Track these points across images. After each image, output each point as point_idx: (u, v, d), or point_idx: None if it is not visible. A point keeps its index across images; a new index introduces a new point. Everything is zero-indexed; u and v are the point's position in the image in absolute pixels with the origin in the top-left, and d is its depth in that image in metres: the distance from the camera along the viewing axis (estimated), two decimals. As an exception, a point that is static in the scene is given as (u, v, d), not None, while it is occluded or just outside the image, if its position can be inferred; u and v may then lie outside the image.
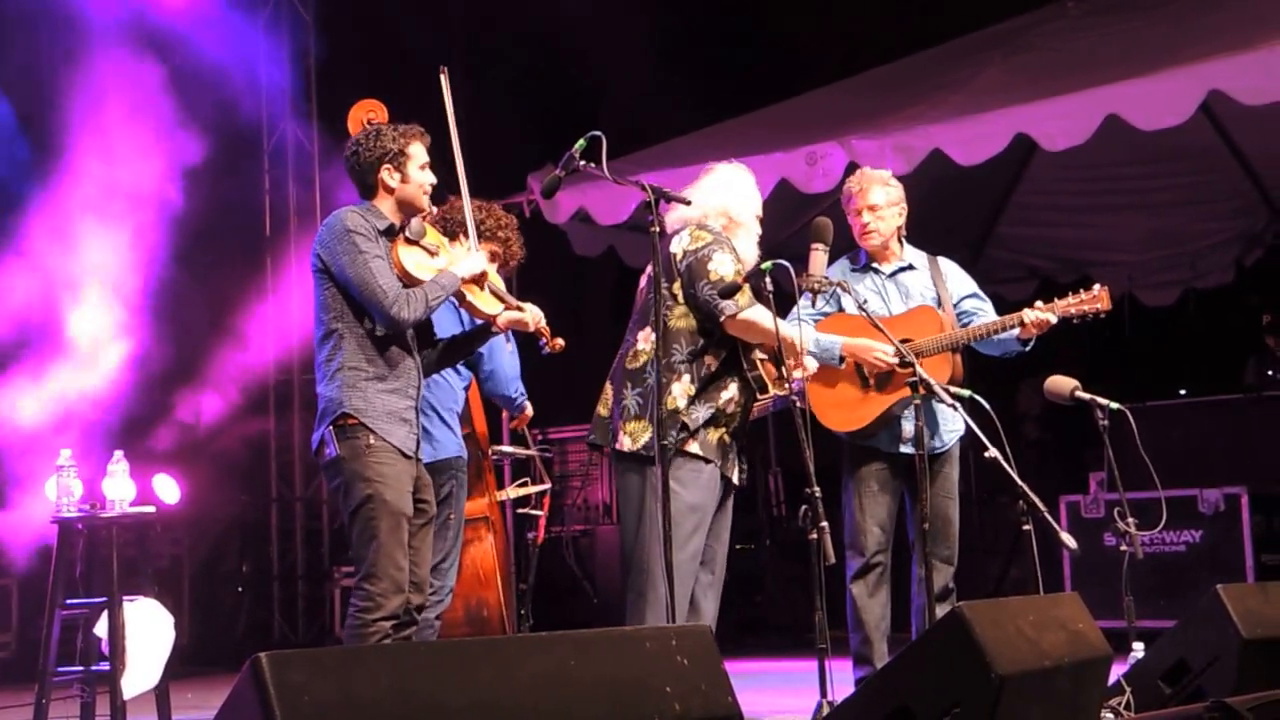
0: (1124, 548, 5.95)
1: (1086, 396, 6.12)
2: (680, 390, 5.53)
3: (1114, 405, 6.08)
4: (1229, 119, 10.19)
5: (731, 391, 5.65)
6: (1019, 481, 5.41)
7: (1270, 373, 10.92)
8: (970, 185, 10.19)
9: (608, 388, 5.79)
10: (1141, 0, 9.73)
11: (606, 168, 5.31)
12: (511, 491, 6.98)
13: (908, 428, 6.09)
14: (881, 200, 6.33)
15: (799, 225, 10.21)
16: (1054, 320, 6.17)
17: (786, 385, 5.69)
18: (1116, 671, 5.14)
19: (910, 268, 6.42)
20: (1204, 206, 11.56)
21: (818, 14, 13.63)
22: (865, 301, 5.90)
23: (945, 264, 6.51)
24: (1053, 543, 5.52)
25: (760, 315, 5.55)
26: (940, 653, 4.21)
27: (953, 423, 6.26)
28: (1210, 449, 9.44)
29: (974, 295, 6.44)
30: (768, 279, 5.37)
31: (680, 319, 5.63)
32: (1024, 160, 11.24)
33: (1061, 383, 6.29)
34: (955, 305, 6.37)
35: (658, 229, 5.26)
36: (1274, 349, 10.94)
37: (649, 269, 5.79)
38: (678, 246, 5.70)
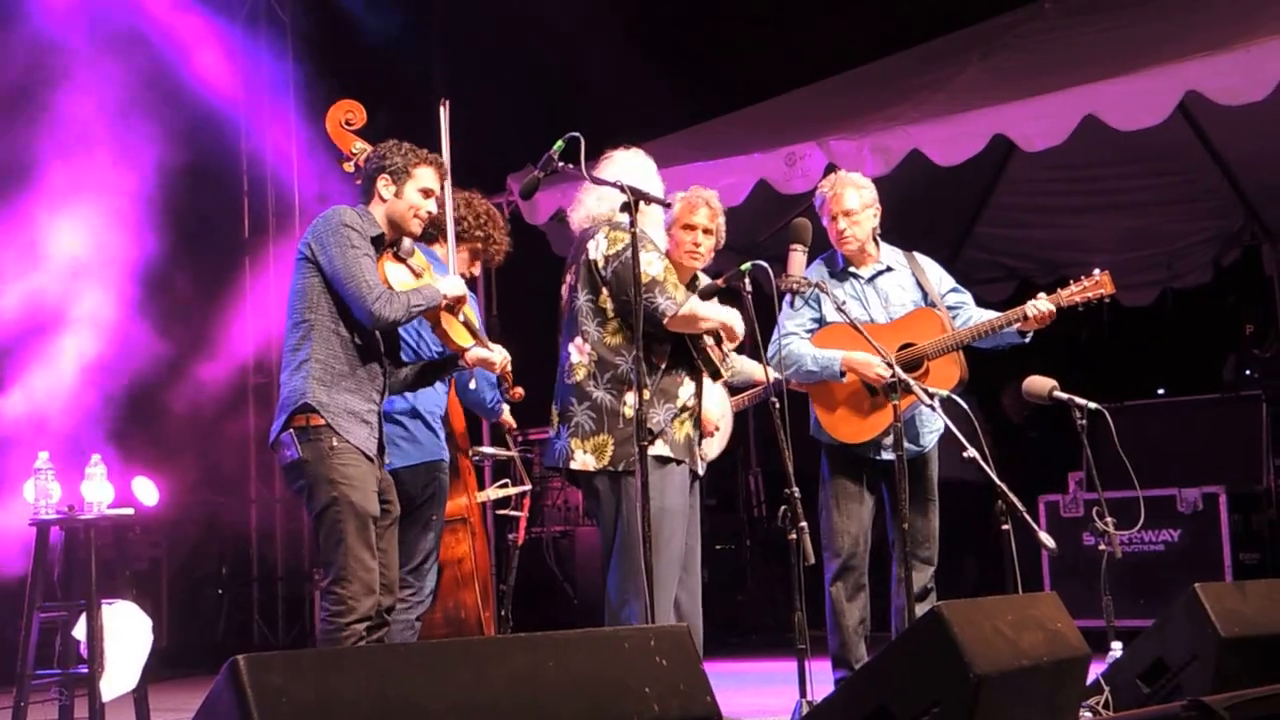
0: (1103, 547, 5.98)
1: (1064, 396, 6.14)
2: (633, 399, 5.28)
3: (1092, 405, 6.10)
4: (1206, 119, 10.23)
5: (688, 386, 5.56)
6: (998, 481, 5.45)
7: (1248, 372, 10.96)
8: (949, 186, 10.21)
9: (553, 409, 5.65)
10: (1117, 2, 9.77)
11: (585, 169, 5.32)
12: (492, 493, 6.96)
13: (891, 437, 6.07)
14: (856, 204, 6.33)
15: (778, 226, 10.22)
16: (1053, 311, 6.16)
17: (728, 367, 5.70)
18: (1095, 671, 5.16)
19: (888, 270, 6.42)
20: (1182, 207, 11.60)
21: (797, 14, 13.65)
22: (844, 303, 5.91)
23: (923, 260, 6.52)
24: (1032, 542, 5.54)
25: (697, 306, 5.45)
26: (919, 652, 4.22)
27: (932, 424, 6.28)
28: (1188, 448, 9.47)
29: (954, 289, 6.46)
30: (746, 280, 5.37)
31: (614, 333, 5.48)
32: (1002, 161, 11.27)
33: (1039, 383, 6.33)
34: (940, 299, 6.39)
35: (636, 229, 5.25)
36: (1260, 355, 10.99)
37: (569, 277, 5.68)
38: (596, 253, 5.54)
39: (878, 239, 6.45)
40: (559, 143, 5.27)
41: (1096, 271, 6.23)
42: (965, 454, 5.48)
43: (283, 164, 11.50)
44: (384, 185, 5.35)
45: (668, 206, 5.75)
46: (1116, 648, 5.72)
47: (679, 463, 5.48)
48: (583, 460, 5.46)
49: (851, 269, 6.40)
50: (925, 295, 6.36)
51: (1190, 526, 8.79)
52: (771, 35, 13.89)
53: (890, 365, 5.66)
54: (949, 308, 6.37)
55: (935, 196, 10.39)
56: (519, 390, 5.76)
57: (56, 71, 9.16)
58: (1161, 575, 8.56)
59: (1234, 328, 11.50)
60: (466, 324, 5.49)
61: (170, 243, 9.62)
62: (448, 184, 5.54)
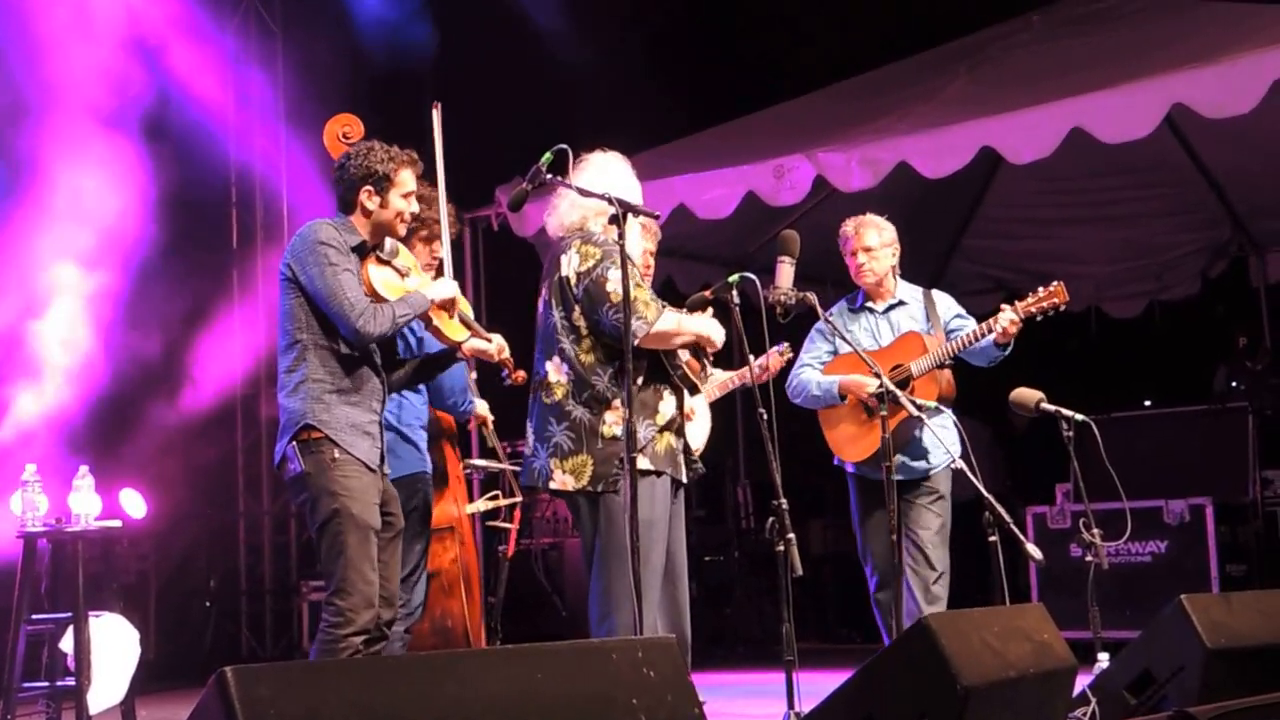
0: (1090, 559, 5.99)
1: (1051, 408, 6.17)
2: (614, 418, 5.30)
3: (1079, 417, 6.13)
4: (1193, 132, 10.26)
5: (669, 402, 5.46)
6: (985, 493, 5.47)
7: (1235, 384, 10.99)
8: (937, 198, 10.23)
9: (528, 428, 5.57)
10: (1104, 15, 9.80)
11: (573, 181, 5.32)
12: (481, 505, 6.90)
13: (899, 456, 6.40)
14: (875, 242, 6.68)
15: (766, 238, 10.24)
16: (1018, 320, 6.41)
17: (705, 379, 5.70)
18: (1082, 682, 5.17)
19: (902, 303, 6.74)
20: (1169, 219, 11.64)
21: (785, 28, 13.68)
22: (830, 314, 5.96)
23: (938, 294, 6.85)
24: (1020, 554, 5.56)
25: (669, 322, 5.38)
26: (906, 663, 4.23)
27: (941, 446, 6.41)
28: (1175, 460, 9.49)
29: (958, 315, 6.77)
30: (734, 291, 5.37)
31: (588, 351, 5.39)
32: (990, 173, 11.29)
33: (1027, 395, 6.37)
34: (945, 327, 6.67)
35: (623, 242, 5.25)
36: (1251, 368, 11.01)
37: (544, 291, 5.61)
38: (568, 269, 5.45)
39: (896, 276, 6.80)
40: (547, 155, 5.26)
41: (1054, 283, 6.49)
42: (952, 465, 5.50)
43: (271, 176, 11.49)
44: (367, 197, 5.29)
45: (656, 217, 5.75)
46: (1103, 659, 5.73)
47: (659, 474, 5.44)
48: (561, 480, 5.39)
49: (868, 305, 6.78)
50: (930, 325, 6.68)
51: (1177, 538, 8.81)
52: (760, 48, 13.93)
53: (879, 376, 5.72)
54: (953, 331, 6.64)
55: (923, 208, 10.41)
56: (521, 373, 5.80)
57: (42, 83, 9.15)
58: (1148, 587, 8.58)
59: (1222, 339, 11.53)
60: (460, 318, 5.50)
61: (158, 255, 9.61)
62: (443, 202, 5.56)
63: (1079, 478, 6.21)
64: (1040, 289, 6.48)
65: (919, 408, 5.79)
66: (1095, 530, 5.94)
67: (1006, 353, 6.55)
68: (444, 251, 5.71)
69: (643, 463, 5.33)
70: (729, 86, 13.14)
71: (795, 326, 6.17)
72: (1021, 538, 5.47)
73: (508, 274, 10.41)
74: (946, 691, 4.05)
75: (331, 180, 5.41)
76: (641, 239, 5.95)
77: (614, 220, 5.17)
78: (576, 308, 5.41)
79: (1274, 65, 7.41)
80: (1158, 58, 8.16)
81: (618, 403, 5.28)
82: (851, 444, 6.62)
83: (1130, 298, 12.04)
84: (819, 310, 5.89)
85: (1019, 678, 4.42)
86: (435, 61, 12.42)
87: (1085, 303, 12.01)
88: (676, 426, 5.50)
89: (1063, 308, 6.47)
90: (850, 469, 6.70)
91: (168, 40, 9.97)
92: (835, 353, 6.72)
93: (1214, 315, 12.47)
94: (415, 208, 5.40)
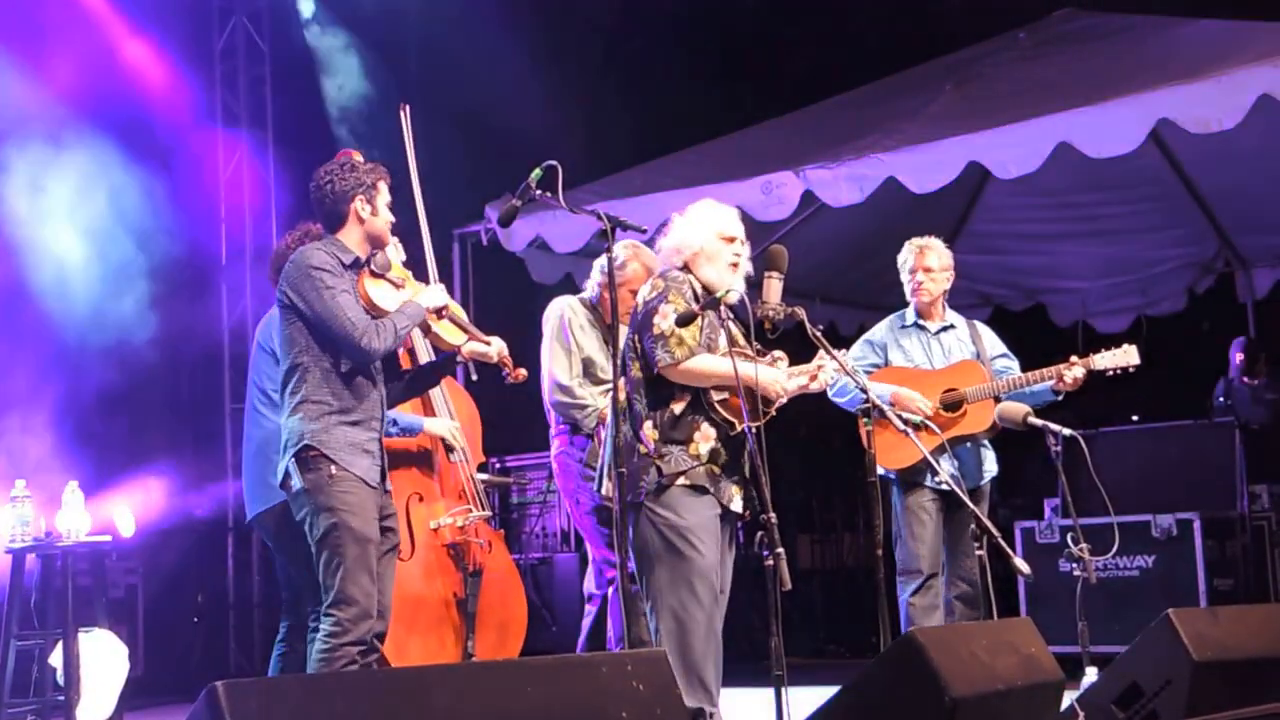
0: (1078, 573, 6.02)
1: (1039, 423, 6.22)
2: (646, 434, 5.50)
3: (1066, 431, 6.17)
4: (1178, 147, 10.29)
5: (710, 438, 5.52)
6: (973, 508, 5.49)
7: (1222, 400, 11.01)
8: (924, 213, 10.25)
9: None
10: (1090, 32, 9.84)
11: (562, 197, 5.35)
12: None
13: (947, 466, 6.71)
14: (936, 265, 7.12)
15: (754, 254, 10.23)
16: (1086, 375, 6.72)
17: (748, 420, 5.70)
18: (1070, 696, 5.18)
19: (951, 327, 7.17)
20: (1156, 234, 11.66)
21: (772, 45, 13.71)
22: (820, 330, 5.98)
23: (983, 328, 7.29)
24: (1008, 568, 5.58)
25: (701, 363, 5.46)
26: (895, 676, 4.25)
27: (989, 463, 6.87)
28: (1163, 475, 9.49)
29: (1004, 355, 7.13)
30: (722, 307, 5.41)
31: (638, 371, 5.59)
32: (977, 188, 11.31)
33: (1014, 409, 6.42)
34: (989, 363, 7.00)
35: (612, 255, 5.37)
36: (1250, 383, 11.03)
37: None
38: (640, 297, 5.69)
39: (946, 303, 7.20)
40: (537, 171, 5.33)
41: (1126, 345, 6.79)
42: (938, 479, 5.52)
43: (260, 191, 11.48)
44: (361, 206, 5.39)
45: (643, 231, 5.80)
46: (1091, 673, 5.76)
47: (703, 491, 5.49)
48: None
49: (919, 323, 7.15)
50: (978, 354, 7.01)
51: (1165, 552, 8.81)
52: (746, 65, 13.95)
53: (865, 390, 5.74)
54: (997, 371, 6.95)
55: (910, 224, 10.42)
56: (521, 371, 5.89)
57: (30, 98, 9.16)
58: (1136, 601, 8.58)
59: (1211, 355, 11.54)
60: (455, 320, 5.60)
61: (147, 270, 9.62)
62: (420, 203, 5.63)
63: (1067, 492, 6.24)
64: (1114, 348, 6.77)
65: (904, 420, 5.83)
66: (1083, 545, 5.97)
67: (1059, 398, 6.81)
68: (428, 261, 5.78)
69: (682, 481, 5.50)
70: (717, 103, 13.16)
71: (785, 340, 6.21)
72: (1010, 552, 5.49)
73: (496, 290, 10.42)
74: (935, 704, 4.07)
75: (315, 201, 5.46)
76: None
77: (603, 234, 5.29)
78: (636, 332, 5.62)
79: (1259, 81, 7.45)
80: (1144, 74, 8.19)
81: (649, 424, 5.50)
82: (892, 452, 6.77)
83: (1117, 313, 12.07)
84: (807, 325, 5.91)
85: (1007, 691, 4.43)
86: (420, 80, 12.44)
87: (1072, 318, 12.05)
88: (723, 462, 5.53)
89: (1132, 370, 6.72)
90: (893, 475, 6.93)
91: (156, 58, 9.99)
92: (879, 366, 7.08)
93: (1199, 331, 12.49)
94: (393, 217, 5.50)
